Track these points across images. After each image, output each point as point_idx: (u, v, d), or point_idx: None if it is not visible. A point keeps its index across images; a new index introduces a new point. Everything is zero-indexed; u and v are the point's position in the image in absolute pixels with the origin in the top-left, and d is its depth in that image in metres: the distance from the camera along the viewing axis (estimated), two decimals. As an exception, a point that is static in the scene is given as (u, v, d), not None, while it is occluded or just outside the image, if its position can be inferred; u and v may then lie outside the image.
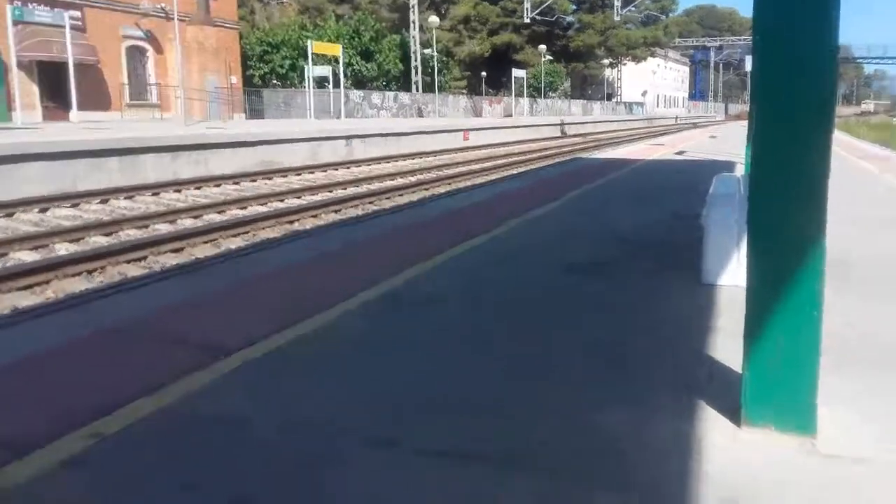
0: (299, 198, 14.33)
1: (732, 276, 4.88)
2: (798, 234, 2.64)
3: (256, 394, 3.19)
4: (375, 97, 41.79)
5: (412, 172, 19.55)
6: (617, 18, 57.84)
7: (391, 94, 43.72)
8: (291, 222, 11.53)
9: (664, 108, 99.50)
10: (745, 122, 50.15)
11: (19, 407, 3.08)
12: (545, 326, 4.17)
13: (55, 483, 2.44)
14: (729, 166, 14.13)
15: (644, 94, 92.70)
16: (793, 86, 2.62)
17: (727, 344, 3.70)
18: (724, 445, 2.69)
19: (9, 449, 2.63)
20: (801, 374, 2.69)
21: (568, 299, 4.78)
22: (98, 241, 9.96)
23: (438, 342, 3.88)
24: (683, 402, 3.07)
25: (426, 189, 16.15)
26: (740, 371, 2.90)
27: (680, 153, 19.78)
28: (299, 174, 18.32)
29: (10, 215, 11.47)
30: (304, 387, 3.28)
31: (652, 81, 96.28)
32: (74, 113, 24.84)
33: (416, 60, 45.93)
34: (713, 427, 2.84)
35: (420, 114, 44.09)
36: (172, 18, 26.32)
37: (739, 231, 4.75)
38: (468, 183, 17.63)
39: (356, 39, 44.23)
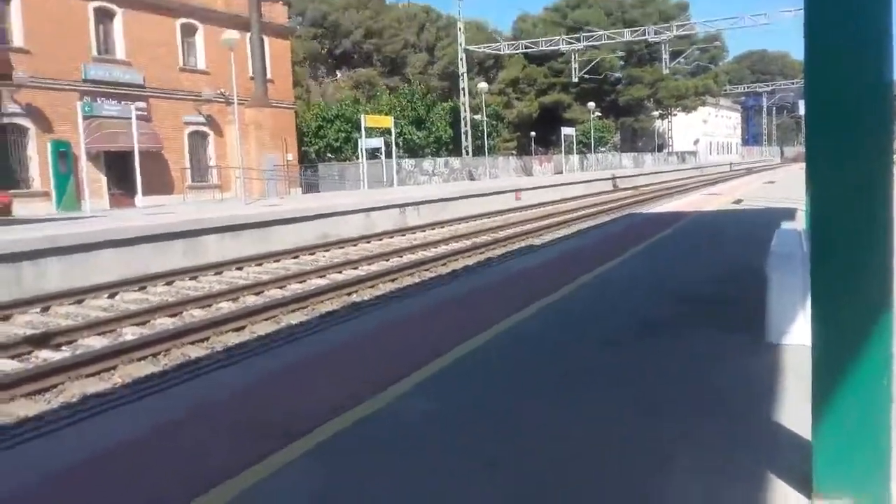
0: (356, 268, 14.53)
1: (798, 335, 4.73)
2: (864, 296, 2.54)
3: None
4: (427, 164, 42.52)
5: (466, 236, 19.67)
6: (666, 71, 57.94)
7: (441, 159, 44.41)
8: (350, 294, 11.67)
9: (717, 156, 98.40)
10: (801, 165, 49.12)
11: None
12: (610, 389, 4.08)
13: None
14: (789, 214, 13.81)
15: (696, 142, 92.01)
16: (843, 131, 2.53)
17: (795, 408, 3.56)
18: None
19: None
20: (873, 444, 2.57)
21: (629, 360, 4.68)
22: (164, 322, 10.26)
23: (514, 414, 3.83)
24: (751, 470, 2.95)
25: (481, 253, 16.20)
26: (808, 437, 2.78)
27: (737, 202, 19.44)
28: (356, 244, 18.62)
29: (79, 302, 11.92)
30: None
31: (704, 129, 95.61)
32: (140, 198, 25.94)
33: (465, 126, 46.72)
34: (783, 498, 2.71)
35: (471, 177, 44.59)
36: (232, 103, 27.49)
37: (804, 288, 4.62)
38: (522, 244, 17.63)
39: (408, 110, 45.33)
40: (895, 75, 2.50)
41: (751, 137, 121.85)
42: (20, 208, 24.50)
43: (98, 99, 27.55)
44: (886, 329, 2.53)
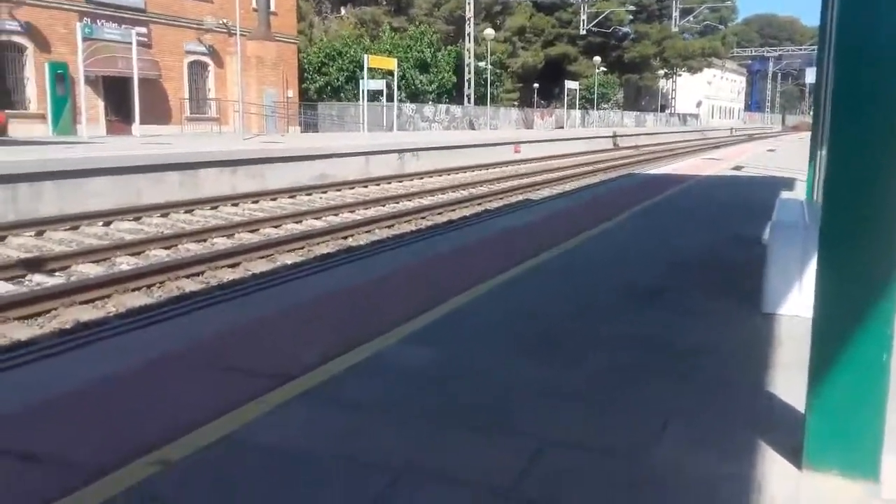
0: (353, 212, 14.49)
1: (794, 305, 4.77)
2: (872, 271, 2.54)
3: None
4: (427, 110, 42.06)
5: (463, 186, 19.60)
6: (675, 29, 57.07)
7: (443, 106, 43.93)
8: (345, 238, 11.67)
9: (719, 120, 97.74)
10: (802, 134, 48.82)
11: (87, 434, 3.18)
12: (594, 353, 4.12)
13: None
14: (789, 184, 13.82)
15: (699, 105, 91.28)
16: (876, 102, 2.50)
17: (788, 379, 3.62)
18: (784, 489, 2.63)
19: (77, 474, 2.72)
20: (867, 419, 2.61)
21: (624, 326, 4.72)
22: (158, 253, 10.25)
23: (494, 363, 3.88)
24: (741, 440, 3.01)
25: (479, 204, 16.16)
26: (801, 409, 2.83)
27: (737, 168, 19.39)
28: (353, 188, 18.53)
29: (75, 228, 11.88)
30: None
31: (707, 92, 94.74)
32: (137, 126, 25.63)
33: (469, 73, 46.10)
34: (773, 469, 2.77)
35: (472, 126, 44.20)
36: (234, 34, 27.01)
37: (803, 260, 4.64)
38: (520, 197, 17.60)
39: (412, 51, 44.60)
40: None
41: (754, 103, 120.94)
42: (16, 129, 24.20)
43: (98, 21, 26.99)
44: (889, 306, 2.55)
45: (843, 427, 2.65)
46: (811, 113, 26.69)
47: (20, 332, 6.69)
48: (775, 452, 2.87)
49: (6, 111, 24.10)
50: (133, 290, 8.07)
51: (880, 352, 2.56)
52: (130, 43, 25.21)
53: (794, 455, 2.78)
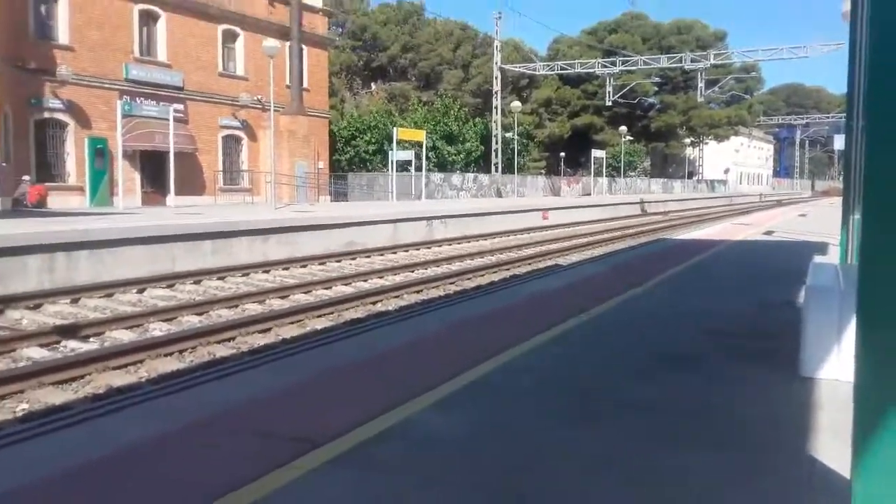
0: (382, 277, 14.57)
1: (832, 369, 4.66)
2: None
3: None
4: (455, 178, 42.60)
5: (491, 252, 19.66)
6: (700, 99, 57.62)
7: (471, 175, 44.48)
8: (374, 303, 11.71)
9: (747, 186, 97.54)
10: (833, 199, 48.17)
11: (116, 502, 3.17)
12: (629, 420, 4.04)
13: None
14: (821, 248, 13.65)
15: (726, 171, 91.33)
16: None
17: (829, 444, 3.50)
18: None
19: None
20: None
21: (657, 393, 4.63)
22: (190, 319, 10.35)
23: (523, 430, 3.81)
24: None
25: (507, 269, 16.17)
26: (842, 473, 2.73)
27: (768, 233, 19.23)
28: (382, 254, 18.69)
29: (109, 296, 12.08)
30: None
31: (735, 159, 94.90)
32: (171, 197, 26.26)
33: (496, 143, 46.82)
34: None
35: (499, 194, 44.61)
36: (268, 109, 27.80)
37: (840, 324, 4.56)
38: (548, 263, 17.58)
39: (440, 124, 45.55)
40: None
41: (782, 169, 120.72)
42: (55, 201, 24.92)
43: (137, 99, 28.00)
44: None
45: (891, 493, 2.54)
46: (840, 178, 26.51)
47: (55, 396, 6.75)
48: (821, 519, 2.77)
49: (46, 184, 24.89)
50: (165, 355, 8.13)
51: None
52: (168, 119, 26.09)
53: (841, 523, 2.67)
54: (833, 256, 11.49)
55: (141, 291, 12.55)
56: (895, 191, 2.53)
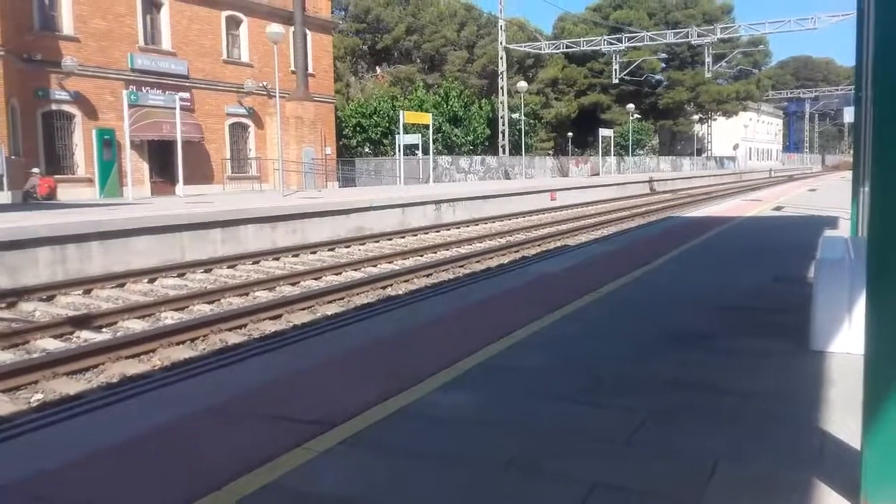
0: (391, 262, 14.60)
1: (843, 342, 4.64)
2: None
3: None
4: (463, 161, 42.50)
5: (500, 234, 19.64)
6: (708, 75, 57.09)
7: (478, 157, 44.37)
8: (384, 287, 11.74)
9: (757, 161, 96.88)
10: (844, 173, 47.84)
11: (131, 485, 3.21)
12: (648, 398, 4.05)
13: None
14: (832, 222, 13.58)
15: (735, 147, 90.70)
16: None
17: (840, 416, 3.51)
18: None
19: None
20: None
21: (668, 369, 4.63)
22: (202, 308, 10.42)
23: (536, 407, 3.83)
24: (796, 478, 2.91)
25: (516, 251, 16.16)
26: (854, 446, 2.73)
27: (778, 209, 19.13)
28: (391, 239, 18.71)
29: (121, 286, 12.16)
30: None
31: (744, 135, 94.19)
32: (180, 187, 26.36)
33: (503, 124, 46.63)
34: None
35: (507, 176, 44.51)
36: (274, 96, 27.80)
37: (850, 296, 4.54)
38: (558, 244, 17.56)
39: (445, 106, 45.38)
40: None
41: (792, 144, 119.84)
42: (64, 193, 25.07)
43: (143, 88, 28.03)
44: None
45: (902, 462, 2.55)
46: (851, 151, 26.28)
47: (69, 386, 6.82)
48: (831, 489, 2.78)
49: (55, 176, 25.01)
50: (177, 343, 8.19)
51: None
52: (174, 108, 26.13)
53: (851, 491, 2.68)
54: (844, 230, 11.43)
55: (152, 281, 12.63)
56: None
